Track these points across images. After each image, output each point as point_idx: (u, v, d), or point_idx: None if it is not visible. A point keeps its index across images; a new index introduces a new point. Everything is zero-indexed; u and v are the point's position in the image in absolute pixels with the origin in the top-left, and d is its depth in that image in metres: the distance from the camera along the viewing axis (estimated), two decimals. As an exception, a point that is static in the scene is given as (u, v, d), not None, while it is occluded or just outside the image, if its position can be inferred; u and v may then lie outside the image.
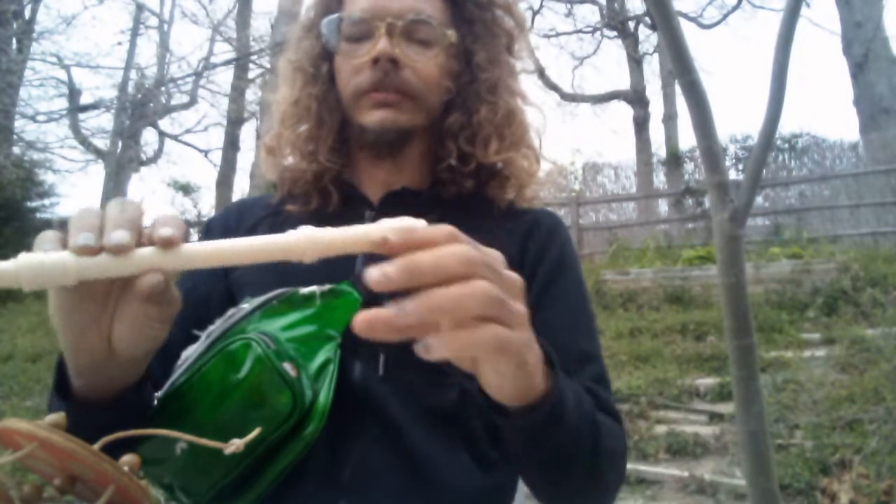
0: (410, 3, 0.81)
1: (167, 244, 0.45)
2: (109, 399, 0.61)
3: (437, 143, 0.88)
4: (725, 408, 4.46)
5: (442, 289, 0.42)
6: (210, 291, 0.84)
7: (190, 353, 0.75)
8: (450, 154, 0.86)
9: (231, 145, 16.42)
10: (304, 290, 0.77)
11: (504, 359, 0.49)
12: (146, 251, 0.46)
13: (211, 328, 0.76)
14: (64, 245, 0.46)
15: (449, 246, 0.43)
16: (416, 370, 0.76)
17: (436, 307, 0.42)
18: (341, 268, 0.81)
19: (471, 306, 0.43)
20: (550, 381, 0.58)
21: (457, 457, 0.77)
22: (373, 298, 0.77)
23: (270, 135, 0.92)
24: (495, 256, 0.46)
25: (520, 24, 0.92)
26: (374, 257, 0.82)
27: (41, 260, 0.44)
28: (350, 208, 0.87)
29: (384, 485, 0.74)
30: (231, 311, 0.78)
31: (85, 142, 15.77)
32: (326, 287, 0.77)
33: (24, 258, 0.45)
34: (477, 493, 0.77)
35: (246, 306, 0.78)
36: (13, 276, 0.44)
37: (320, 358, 0.73)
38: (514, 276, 0.48)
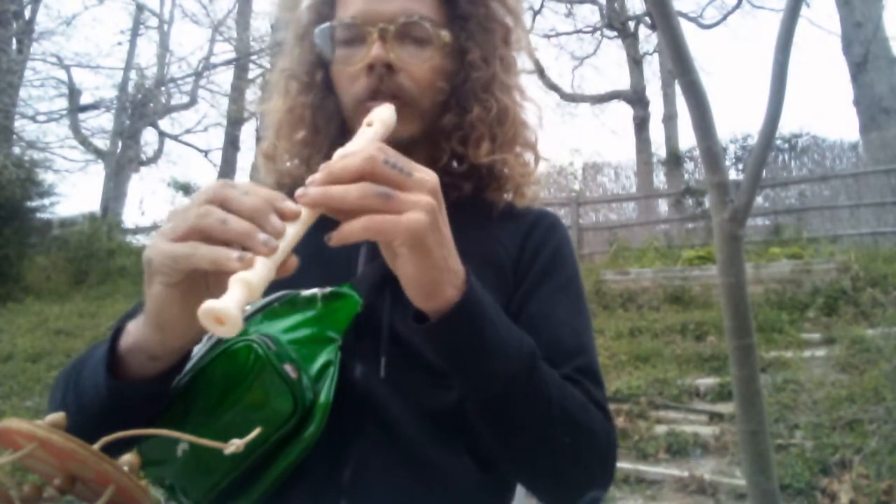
0: (402, 5, 0.80)
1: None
2: (161, 374, 0.66)
3: (433, 146, 0.87)
4: (725, 408, 4.46)
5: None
6: None
7: (192, 352, 0.75)
8: (443, 154, 0.86)
9: (231, 145, 16.43)
10: (306, 293, 0.77)
11: (399, 240, 0.58)
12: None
13: None
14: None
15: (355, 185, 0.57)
16: (416, 372, 0.76)
17: (326, 190, 0.57)
18: (342, 270, 0.81)
19: (350, 197, 0.56)
20: (464, 289, 0.64)
21: (457, 458, 0.77)
22: (373, 300, 0.77)
23: (266, 142, 0.92)
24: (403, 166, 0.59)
25: (514, 12, 0.91)
26: (374, 259, 0.82)
27: (252, 284, 0.52)
28: None
29: (384, 485, 0.74)
30: None
31: (85, 142, 15.78)
32: (328, 290, 0.77)
33: (240, 283, 0.51)
34: (477, 494, 0.77)
35: (248, 308, 0.78)
36: (252, 297, 0.52)
37: (321, 360, 0.73)
38: (422, 178, 0.60)
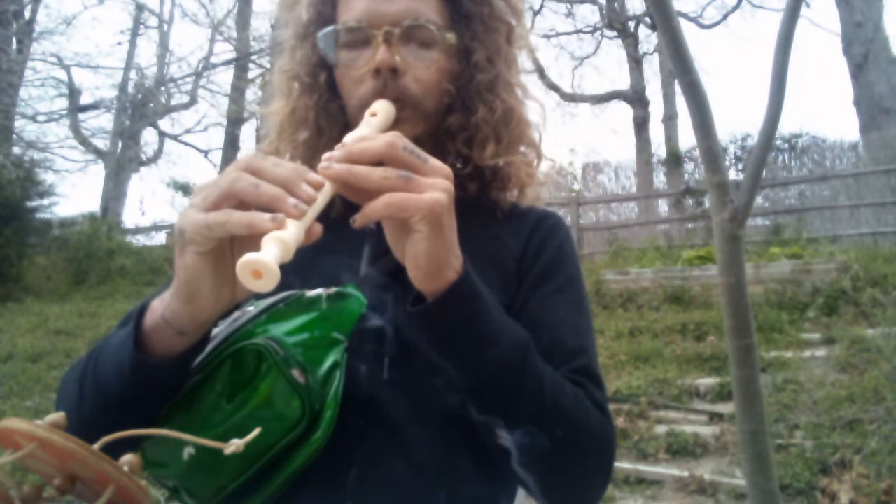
0: (406, 6, 0.80)
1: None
2: (186, 351, 0.67)
3: (438, 147, 0.86)
4: (725, 408, 4.46)
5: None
6: None
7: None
8: (448, 155, 0.86)
9: (231, 145, 16.42)
10: (311, 293, 0.77)
11: (419, 217, 0.60)
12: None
13: (216, 330, 0.76)
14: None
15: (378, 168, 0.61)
16: (420, 373, 0.76)
17: (351, 167, 0.60)
18: (346, 271, 0.81)
19: (374, 176, 0.60)
20: (461, 272, 0.66)
21: (460, 459, 0.77)
22: (378, 301, 0.77)
23: (267, 143, 0.91)
24: (418, 154, 0.63)
25: (517, 10, 0.91)
26: (377, 260, 0.82)
27: (287, 241, 0.54)
28: (353, 213, 0.86)
29: (389, 487, 0.74)
30: (236, 315, 0.77)
31: (85, 142, 15.77)
32: (332, 290, 0.77)
33: (275, 241, 0.54)
34: (479, 496, 0.77)
35: (251, 309, 0.77)
36: (287, 255, 0.54)
37: (328, 362, 0.73)
38: (438, 164, 0.64)
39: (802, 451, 3.69)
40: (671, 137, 14.48)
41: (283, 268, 0.53)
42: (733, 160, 12.07)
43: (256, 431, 0.51)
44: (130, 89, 15.97)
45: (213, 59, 17.13)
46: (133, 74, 16.51)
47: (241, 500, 0.71)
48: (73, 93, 15.68)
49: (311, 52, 0.87)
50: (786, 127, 11.66)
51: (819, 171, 11.11)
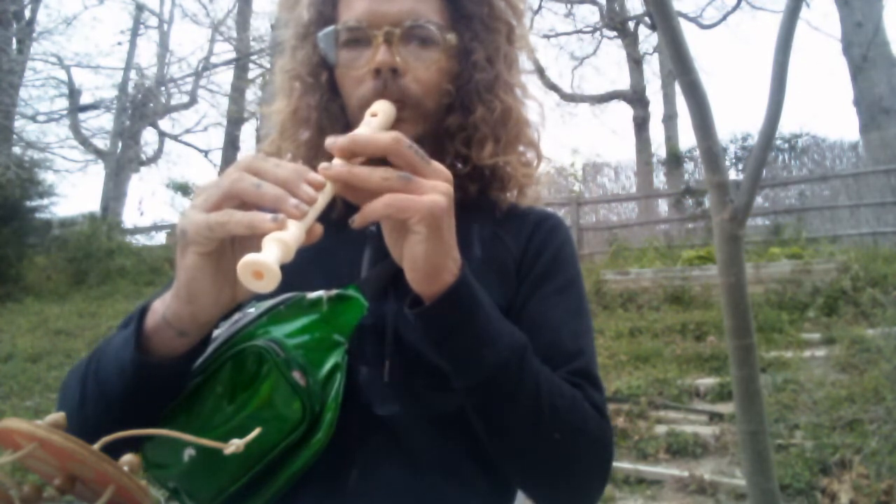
0: (407, 6, 0.80)
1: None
2: (187, 352, 0.67)
3: (437, 147, 0.86)
4: (725, 408, 4.46)
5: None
6: None
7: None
8: (447, 156, 0.86)
9: (231, 145, 16.42)
10: (312, 295, 0.77)
11: (418, 218, 0.61)
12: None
13: (217, 332, 0.76)
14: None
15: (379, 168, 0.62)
16: (420, 375, 0.76)
17: (351, 168, 0.62)
18: (346, 273, 0.81)
19: (374, 177, 0.61)
20: (459, 274, 0.67)
21: (460, 461, 0.77)
22: (378, 303, 0.77)
23: (268, 142, 0.91)
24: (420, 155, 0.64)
25: (517, 10, 0.91)
26: (378, 263, 0.82)
27: (288, 242, 0.55)
28: (354, 215, 0.86)
29: (389, 490, 0.74)
30: (237, 316, 0.78)
31: (85, 142, 15.75)
32: (333, 292, 0.77)
33: (276, 241, 0.54)
34: (479, 497, 0.77)
35: (252, 311, 0.77)
36: (287, 255, 0.54)
37: (328, 364, 0.73)
38: (439, 166, 0.65)
39: (802, 451, 3.69)
40: (671, 137, 14.48)
41: (284, 269, 0.53)
42: (733, 160, 12.07)
43: (256, 431, 0.51)
44: (130, 89, 15.96)
45: (213, 59, 17.11)
46: (133, 74, 16.50)
47: (242, 501, 0.71)
48: (73, 93, 15.66)
49: (312, 51, 0.87)
50: (786, 127, 11.66)
51: (819, 171, 11.10)
